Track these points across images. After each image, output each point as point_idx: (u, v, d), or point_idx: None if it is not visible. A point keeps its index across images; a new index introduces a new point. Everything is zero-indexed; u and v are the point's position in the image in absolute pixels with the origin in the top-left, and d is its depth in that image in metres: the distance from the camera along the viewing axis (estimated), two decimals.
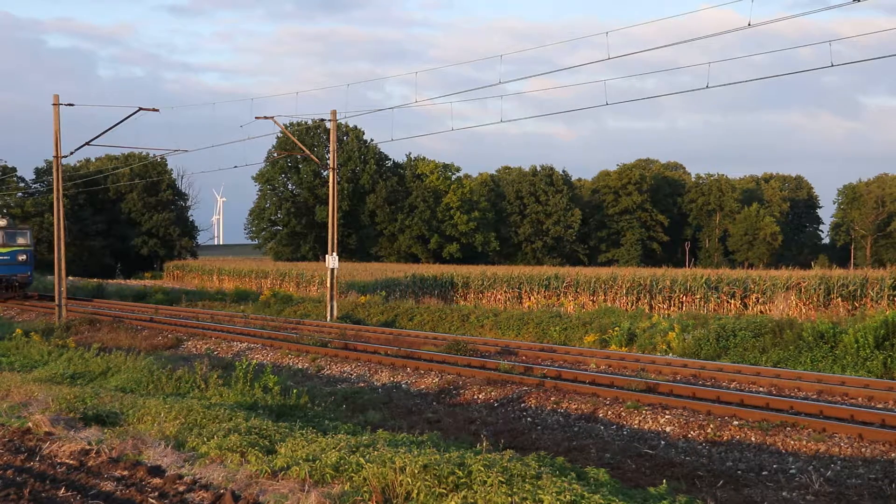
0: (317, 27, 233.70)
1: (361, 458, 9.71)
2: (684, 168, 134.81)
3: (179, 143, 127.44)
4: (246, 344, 27.33)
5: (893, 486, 11.46)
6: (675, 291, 42.73)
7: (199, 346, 28.01)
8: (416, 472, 9.02)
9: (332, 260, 36.93)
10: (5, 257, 45.98)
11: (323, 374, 22.32)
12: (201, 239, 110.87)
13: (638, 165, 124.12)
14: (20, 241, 46.94)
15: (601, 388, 17.73)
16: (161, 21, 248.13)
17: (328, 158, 38.74)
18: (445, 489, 8.76)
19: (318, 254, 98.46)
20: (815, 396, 17.45)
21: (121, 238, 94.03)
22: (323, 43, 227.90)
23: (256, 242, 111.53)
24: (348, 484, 9.33)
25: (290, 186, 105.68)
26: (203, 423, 12.59)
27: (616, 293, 44.70)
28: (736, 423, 14.52)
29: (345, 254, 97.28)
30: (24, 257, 46.71)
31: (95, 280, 70.55)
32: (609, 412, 15.95)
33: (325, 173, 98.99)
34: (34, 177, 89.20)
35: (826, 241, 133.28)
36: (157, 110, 37.70)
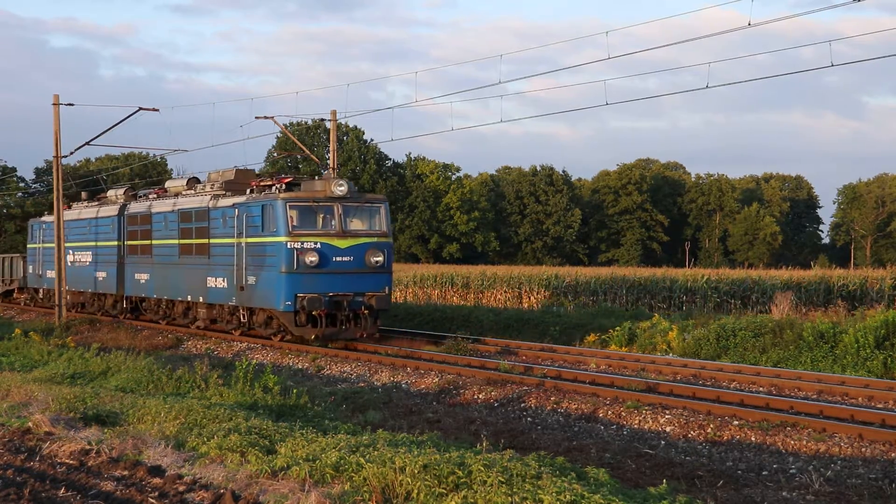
0: (319, 27, 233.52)
1: (361, 458, 9.71)
2: (684, 168, 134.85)
3: (179, 143, 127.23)
4: (246, 344, 27.34)
5: (893, 486, 11.46)
6: (675, 291, 42.74)
7: (199, 346, 28.02)
8: (416, 472, 9.02)
9: None
10: (346, 257, 24.66)
11: (323, 374, 22.32)
12: None
13: (638, 165, 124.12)
14: (376, 226, 25.66)
15: (601, 388, 17.73)
16: (163, 21, 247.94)
17: (328, 158, 38.61)
18: (445, 489, 8.76)
19: None
20: (815, 396, 17.45)
21: None
22: (325, 43, 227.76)
23: None
24: (348, 484, 9.33)
25: None
26: (203, 423, 12.58)
27: (616, 293, 44.71)
28: (736, 422, 14.52)
29: None
30: (381, 258, 25.02)
31: None
32: (609, 412, 15.95)
33: (325, 173, 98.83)
34: (34, 177, 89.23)
35: (826, 241, 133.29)
36: (157, 110, 37.67)
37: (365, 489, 9.08)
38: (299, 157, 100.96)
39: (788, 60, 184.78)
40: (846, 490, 11.42)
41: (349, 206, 25.30)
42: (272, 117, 36.04)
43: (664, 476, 11.68)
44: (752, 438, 13.86)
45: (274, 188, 25.92)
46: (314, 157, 43.24)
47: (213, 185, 29.40)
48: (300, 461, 10.02)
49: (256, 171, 29.33)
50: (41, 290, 43.67)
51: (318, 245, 24.55)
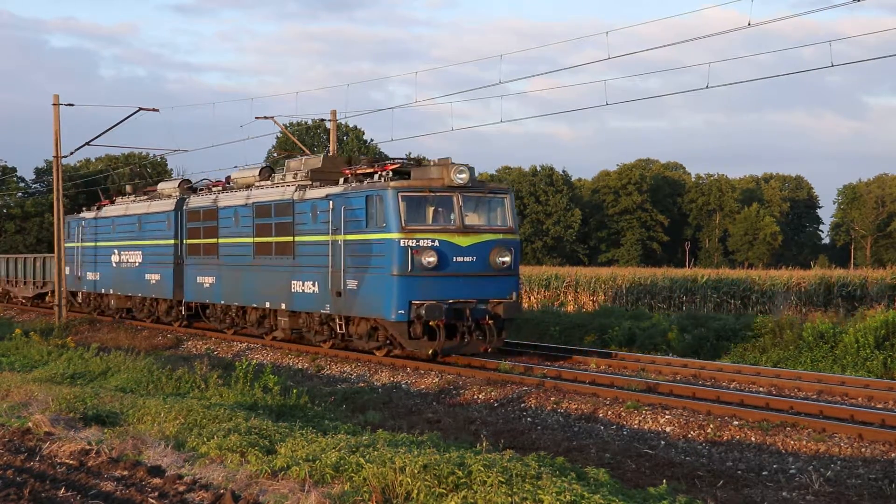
0: (320, 27, 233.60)
1: (361, 458, 9.71)
2: (684, 168, 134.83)
3: (180, 143, 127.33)
4: (246, 344, 27.34)
5: (893, 486, 11.46)
6: (675, 291, 42.74)
7: (199, 346, 28.02)
8: (416, 472, 9.03)
9: None
10: (468, 258, 21.16)
11: (323, 374, 22.33)
12: None
13: (638, 165, 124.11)
14: (501, 221, 21.99)
15: (601, 388, 17.73)
16: (164, 20, 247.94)
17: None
18: (445, 489, 8.77)
19: None
20: (815, 396, 17.45)
21: None
22: (325, 42, 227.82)
23: None
24: (348, 484, 9.33)
25: None
26: (203, 423, 12.59)
27: (616, 293, 44.71)
28: (736, 423, 14.52)
29: None
30: (508, 259, 21.35)
31: None
32: (609, 412, 15.95)
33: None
34: (34, 177, 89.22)
35: (826, 241, 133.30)
36: (157, 110, 37.70)
37: (365, 489, 9.08)
38: (299, 157, 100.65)
39: (789, 60, 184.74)
40: (846, 490, 11.42)
41: (470, 197, 21.49)
42: (272, 117, 36.07)
43: (664, 476, 11.69)
44: (752, 438, 13.86)
45: (378, 176, 22.03)
46: None
47: (294, 174, 25.24)
48: (300, 461, 10.02)
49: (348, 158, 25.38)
50: (80, 294, 39.31)
51: (437, 243, 20.78)
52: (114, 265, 35.38)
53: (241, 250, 26.76)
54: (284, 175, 25.79)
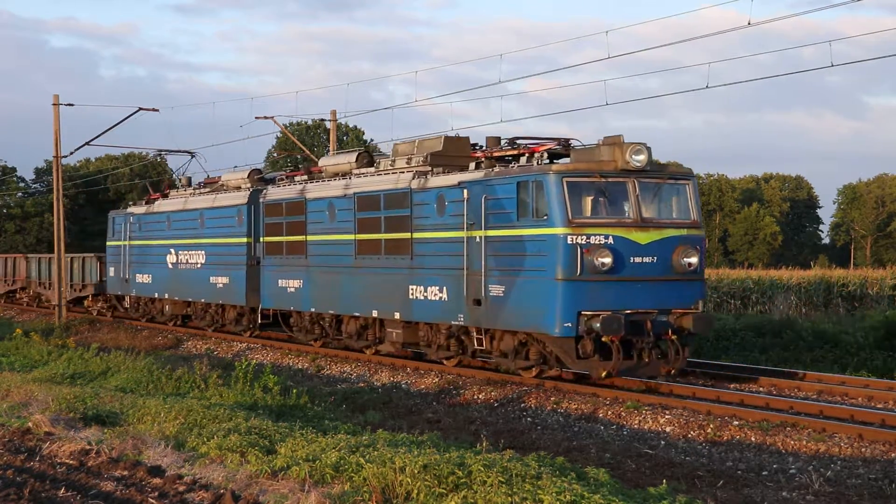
0: (320, 26, 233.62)
1: (361, 458, 9.71)
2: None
3: (179, 143, 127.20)
4: (246, 344, 27.34)
5: (893, 486, 11.46)
6: None
7: (199, 346, 28.02)
8: (416, 472, 9.03)
9: None
10: (647, 258, 17.55)
11: (323, 374, 22.33)
12: None
13: None
14: (683, 212, 18.32)
15: (601, 388, 17.72)
16: (164, 20, 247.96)
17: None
18: (445, 489, 8.77)
19: None
20: (815, 396, 17.44)
21: None
22: (326, 42, 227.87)
23: None
24: (348, 484, 9.33)
25: None
26: (203, 423, 12.60)
27: None
28: (736, 423, 14.52)
29: None
30: (694, 259, 17.75)
31: None
32: (609, 412, 15.95)
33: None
34: (34, 177, 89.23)
35: (826, 241, 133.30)
36: (156, 110, 37.77)
37: (365, 489, 9.09)
38: (299, 157, 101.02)
39: (789, 60, 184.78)
40: (846, 490, 11.42)
41: (648, 184, 17.61)
42: (272, 117, 36.07)
43: (664, 476, 11.69)
44: (752, 438, 13.86)
45: (532, 159, 18.35)
46: (314, 158, 43.31)
47: (407, 159, 21.26)
48: (300, 461, 10.03)
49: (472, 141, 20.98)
50: (128, 298, 35.07)
51: (611, 240, 17.00)
52: (169, 266, 31.28)
53: (338, 249, 22.85)
54: (394, 161, 21.76)
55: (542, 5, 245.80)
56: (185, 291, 30.67)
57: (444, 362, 20.60)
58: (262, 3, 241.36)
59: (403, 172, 21.06)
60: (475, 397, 18.17)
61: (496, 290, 18.09)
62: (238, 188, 28.60)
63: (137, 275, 33.63)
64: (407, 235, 20.52)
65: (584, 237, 16.89)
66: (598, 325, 16.55)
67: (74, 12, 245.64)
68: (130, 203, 38.08)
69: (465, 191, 18.77)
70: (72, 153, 38.07)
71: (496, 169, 18.77)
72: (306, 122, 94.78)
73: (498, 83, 29.36)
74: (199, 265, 29.64)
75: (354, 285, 22.34)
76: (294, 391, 16.11)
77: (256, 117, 36.83)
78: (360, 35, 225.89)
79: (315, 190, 24.02)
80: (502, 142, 19.75)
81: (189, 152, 36.47)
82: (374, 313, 21.69)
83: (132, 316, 34.78)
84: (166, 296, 31.85)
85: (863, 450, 12.91)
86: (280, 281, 25.17)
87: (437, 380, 19.75)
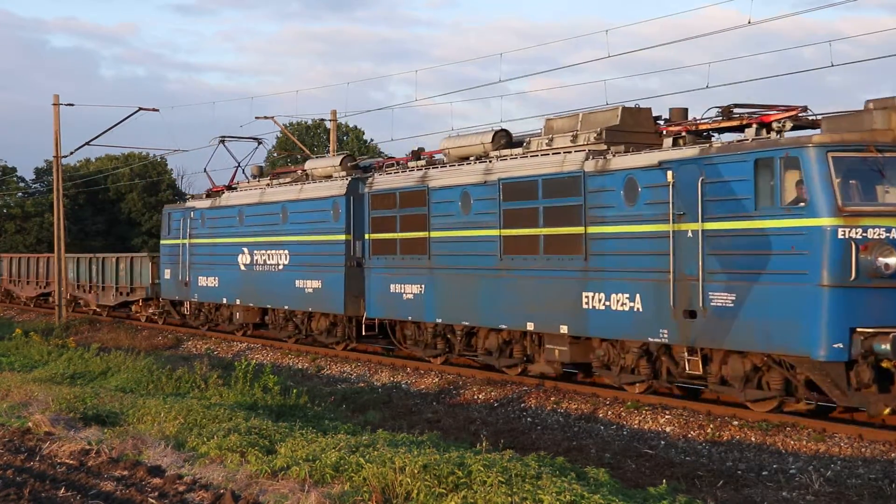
0: (321, 26, 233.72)
1: (361, 458, 9.72)
2: None
3: (179, 143, 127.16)
4: (246, 344, 27.34)
5: (893, 486, 11.46)
6: None
7: (199, 346, 28.03)
8: (416, 472, 9.04)
9: None
10: None
11: (323, 374, 22.33)
12: None
13: None
14: None
15: (601, 388, 17.71)
16: (164, 20, 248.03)
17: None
18: (445, 489, 8.78)
19: None
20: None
21: (121, 238, 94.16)
22: (326, 42, 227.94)
23: None
24: (348, 484, 9.34)
25: None
26: (203, 423, 12.61)
27: None
28: (736, 423, 14.51)
29: None
30: None
31: None
32: (609, 412, 15.95)
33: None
34: (34, 177, 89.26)
35: None
36: (156, 110, 37.78)
37: (365, 489, 9.09)
38: (299, 157, 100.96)
39: (789, 60, 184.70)
40: (846, 490, 11.42)
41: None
42: (272, 117, 36.06)
43: (664, 476, 11.69)
44: (752, 438, 13.86)
45: (764, 130, 14.70)
46: (314, 158, 43.34)
47: (572, 136, 17.30)
48: (300, 461, 10.03)
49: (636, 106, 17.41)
50: (187, 304, 30.74)
51: (893, 234, 13.35)
52: (241, 268, 27.20)
53: (475, 247, 19.02)
54: (551, 139, 17.76)
55: (542, 5, 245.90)
56: (262, 297, 26.56)
57: (626, 388, 16.68)
58: (263, 3, 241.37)
59: (571, 152, 17.04)
60: (475, 397, 18.17)
61: (721, 298, 14.40)
62: (328, 177, 24.81)
63: (200, 277, 29.41)
64: (578, 230, 16.64)
65: (860, 230, 13.13)
66: (888, 346, 12.72)
67: (75, 12, 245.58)
68: (189, 196, 33.61)
69: (670, 173, 15.04)
70: (72, 153, 38.13)
71: (717, 144, 15.10)
72: (306, 122, 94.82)
73: (498, 82, 29.39)
74: (280, 267, 25.56)
75: (499, 292, 18.39)
76: (294, 391, 16.11)
77: (256, 117, 36.85)
78: (361, 35, 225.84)
79: (441, 176, 19.96)
80: (708, 113, 15.89)
81: (256, 139, 32.31)
82: (529, 326, 17.69)
83: (191, 324, 30.88)
84: (237, 301, 27.55)
85: (863, 450, 12.90)
86: (392, 286, 21.15)
87: (437, 380, 19.76)
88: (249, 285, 27.03)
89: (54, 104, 36.39)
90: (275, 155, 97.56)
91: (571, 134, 17.40)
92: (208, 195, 30.19)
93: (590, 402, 16.66)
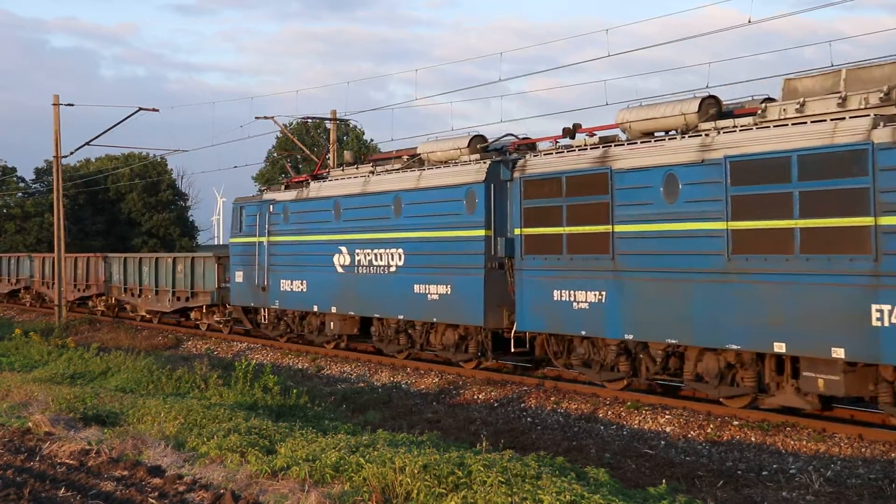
0: (321, 26, 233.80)
1: (361, 458, 9.73)
2: None
3: (179, 143, 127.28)
4: (246, 344, 27.34)
5: (893, 486, 11.46)
6: None
7: (199, 346, 28.02)
8: (416, 472, 9.04)
9: None
10: None
11: (323, 374, 22.32)
12: (201, 239, 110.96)
13: None
14: None
15: (601, 388, 17.71)
16: (165, 20, 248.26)
17: (328, 158, 38.50)
18: (445, 489, 8.78)
19: None
20: None
21: (121, 238, 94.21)
22: (326, 42, 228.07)
23: None
24: (348, 484, 9.34)
25: None
26: (203, 423, 12.61)
27: None
28: (736, 423, 14.51)
29: None
30: None
31: None
32: (609, 412, 15.95)
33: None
34: (34, 177, 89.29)
35: None
36: (156, 110, 37.77)
37: (365, 489, 9.09)
38: (299, 157, 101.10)
39: (789, 60, 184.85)
40: (846, 490, 11.42)
41: None
42: (272, 117, 36.04)
43: (664, 476, 11.69)
44: (752, 438, 13.87)
45: None
46: (314, 157, 43.32)
47: (839, 99, 13.60)
48: (300, 461, 10.04)
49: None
50: (264, 311, 26.71)
51: None
52: (339, 270, 23.35)
53: (688, 245, 15.26)
54: (802, 103, 14.01)
55: (542, 5, 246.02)
56: (365, 304, 22.58)
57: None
58: (264, 3, 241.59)
59: (845, 119, 13.31)
60: (475, 397, 18.17)
61: None
62: (451, 162, 20.92)
63: (283, 281, 25.45)
64: (864, 222, 12.85)
65: None
66: None
67: (75, 12, 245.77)
68: (263, 188, 29.07)
69: None
70: (72, 153, 38.10)
71: None
72: (306, 122, 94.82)
73: (498, 81, 29.32)
74: (392, 269, 21.64)
75: (726, 302, 14.62)
76: (294, 391, 16.12)
77: (256, 117, 36.86)
78: (361, 35, 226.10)
79: (630, 156, 16.25)
80: None
81: (344, 121, 27.26)
82: (778, 347, 13.83)
83: (269, 334, 27.17)
84: (332, 309, 23.54)
85: (863, 450, 12.91)
86: (555, 292, 17.33)
87: (437, 380, 19.75)
88: (348, 290, 23.09)
89: (54, 104, 36.38)
90: (275, 155, 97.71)
91: (836, 96, 13.71)
92: (288, 186, 26.31)
93: (590, 402, 16.66)
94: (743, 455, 13.24)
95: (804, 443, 13.41)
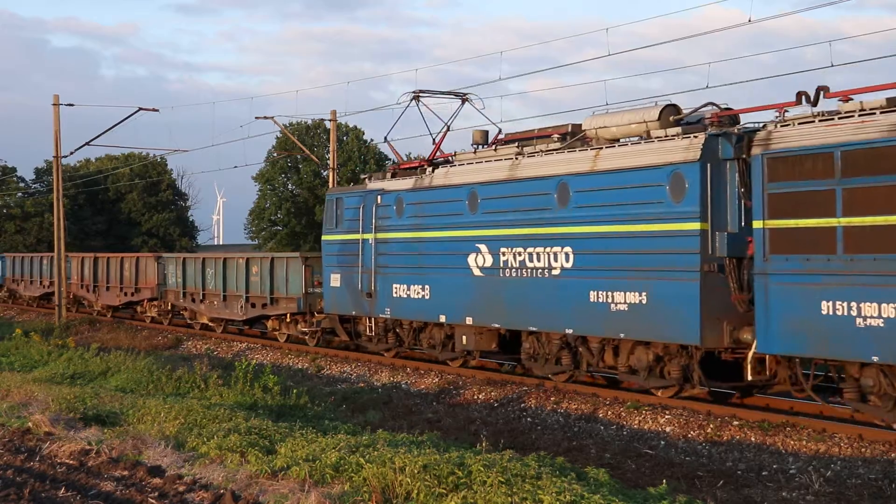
0: (322, 26, 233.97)
1: (361, 458, 9.73)
2: None
3: (179, 143, 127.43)
4: (246, 344, 27.33)
5: (893, 486, 11.46)
6: None
7: (199, 346, 28.02)
8: (416, 472, 9.04)
9: None
10: None
11: (323, 374, 22.32)
12: (201, 239, 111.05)
13: None
14: None
15: (601, 388, 17.71)
16: (165, 20, 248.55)
17: (328, 158, 38.45)
18: (445, 489, 8.78)
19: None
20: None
21: (121, 238, 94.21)
22: (327, 42, 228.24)
23: (256, 242, 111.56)
24: (348, 484, 9.34)
25: (289, 186, 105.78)
26: (203, 423, 12.61)
27: None
28: (736, 423, 14.51)
29: None
30: None
31: None
32: (609, 412, 15.95)
33: (325, 173, 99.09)
34: (34, 177, 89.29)
35: None
36: (156, 110, 37.78)
37: (365, 489, 9.09)
38: (299, 157, 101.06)
39: (790, 60, 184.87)
40: (846, 490, 11.42)
41: None
42: (272, 117, 36.04)
43: (664, 476, 11.69)
44: (752, 438, 13.87)
45: None
46: (314, 158, 43.38)
47: None
48: (300, 461, 10.04)
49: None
50: (368, 321, 22.71)
51: None
52: (476, 273, 19.32)
53: None
54: None
55: (542, 4, 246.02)
56: (514, 315, 18.58)
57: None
58: (264, 3, 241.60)
59: None
60: (475, 397, 18.16)
61: None
62: (632, 138, 17.08)
63: (396, 286, 21.49)
64: None
65: None
66: None
67: (75, 12, 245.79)
68: (363, 177, 24.73)
69: None
70: (72, 153, 38.10)
71: None
72: (306, 122, 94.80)
73: (498, 80, 29.28)
74: (555, 271, 17.61)
75: None
76: (294, 391, 16.12)
77: (256, 117, 36.87)
78: (362, 35, 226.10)
79: None
80: None
81: (459, 95, 23.40)
82: None
83: (372, 348, 23.07)
84: (467, 320, 19.48)
85: (863, 450, 12.91)
86: (824, 304, 13.31)
87: (437, 380, 19.74)
88: (489, 298, 19.04)
89: (54, 104, 36.37)
90: (275, 155, 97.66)
91: None
92: (395, 174, 22.49)
93: (590, 402, 16.65)
94: (743, 455, 13.24)
95: (804, 443, 13.41)
